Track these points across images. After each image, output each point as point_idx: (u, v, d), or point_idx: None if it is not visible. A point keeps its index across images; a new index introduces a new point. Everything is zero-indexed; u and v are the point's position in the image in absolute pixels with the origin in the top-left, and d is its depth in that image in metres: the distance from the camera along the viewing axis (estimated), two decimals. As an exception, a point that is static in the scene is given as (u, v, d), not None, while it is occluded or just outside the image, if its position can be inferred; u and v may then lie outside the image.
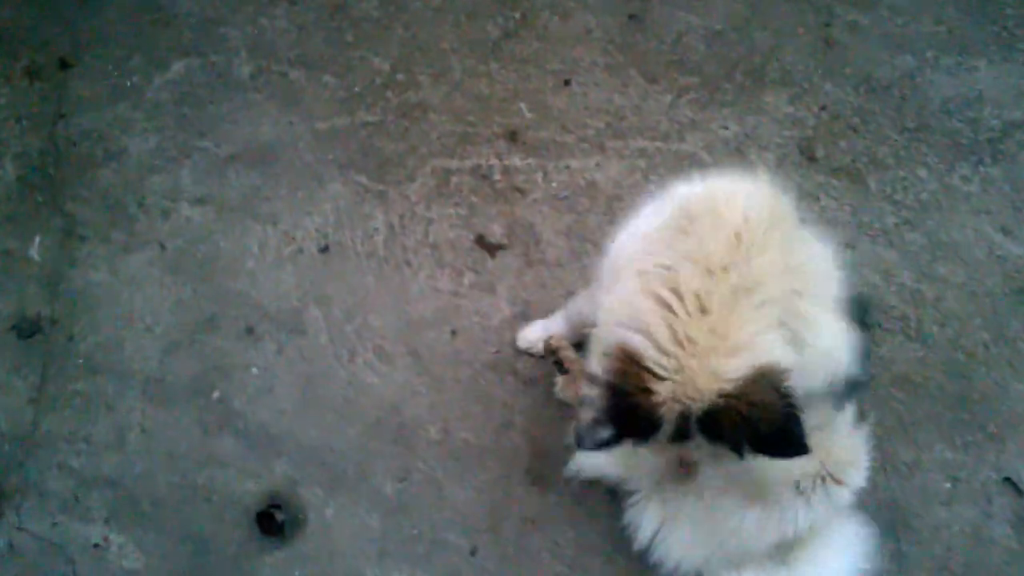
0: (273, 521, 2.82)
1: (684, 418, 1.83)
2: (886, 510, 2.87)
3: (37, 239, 3.30)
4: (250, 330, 3.11)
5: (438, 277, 3.19)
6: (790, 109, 3.40)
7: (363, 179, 3.37)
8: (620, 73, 3.49)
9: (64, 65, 3.61)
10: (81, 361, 3.09)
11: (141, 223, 3.31)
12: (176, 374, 3.06)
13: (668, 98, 3.43)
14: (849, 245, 3.15)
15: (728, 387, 1.80)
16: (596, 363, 1.94)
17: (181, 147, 3.44)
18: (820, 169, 3.29)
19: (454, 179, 3.33)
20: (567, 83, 3.46)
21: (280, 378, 3.05)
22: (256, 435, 2.97)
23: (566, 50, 3.54)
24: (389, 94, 3.51)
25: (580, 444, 1.90)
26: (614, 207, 3.25)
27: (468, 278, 3.18)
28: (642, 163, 3.32)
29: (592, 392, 1.89)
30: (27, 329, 3.15)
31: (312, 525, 2.86)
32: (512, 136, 3.38)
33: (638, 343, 1.86)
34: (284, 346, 3.10)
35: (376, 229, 3.28)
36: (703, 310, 1.84)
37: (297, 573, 2.80)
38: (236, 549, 2.82)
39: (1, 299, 3.19)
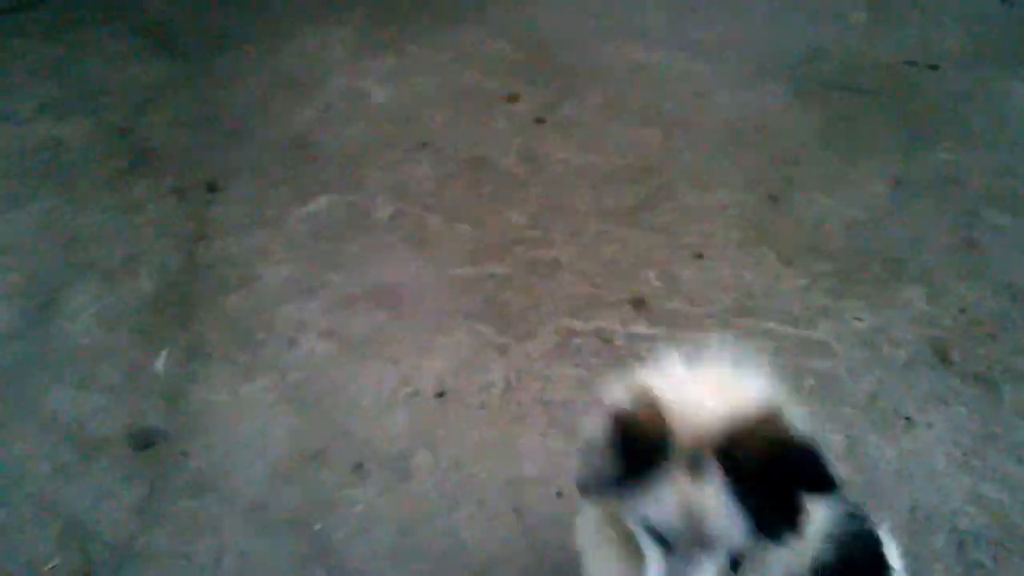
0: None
1: (697, 445, 1.75)
2: None
3: (164, 354, 3.51)
4: (358, 466, 3.22)
5: (549, 436, 3.28)
6: (926, 307, 3.46)
7: (486, 330, 3.52)
8: (753, 251, 3.61)
9: (211, 189, 3.90)
10: (190, 478, 3.22)
11: (266, 350, 3.50)
12: (280, 502, 3.17)
13: (802, 282, 3.53)
14: (976, 455, 3.17)
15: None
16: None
17: (313, 280, 3.66)
18: (953, 373, 3.31)
19: (576, 340, 3.46)
20: (699, 256, 3.60)
21: (381, 519, 3.13)
22: (350, 575, 3.06)
23: (700, 223, 3.69)
24: (520, 249, 3.69)
25: (585, 489, 1.85)
26: (736, 386, 3.32)
27: (580, 440, 3.26)
28: (770, 344, 3.40)
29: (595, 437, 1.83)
30: (142, 441, 3.32)
31: (394, 674, 2.89)
32: (639, 303, 3.51)
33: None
34: (389, 487, 3.19)
35: (493, 381, 3.41)
36: None
37: None
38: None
39: (121, 408, 3.38)
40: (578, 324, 3.49)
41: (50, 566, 3.00)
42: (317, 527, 3.13)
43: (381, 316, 3.57)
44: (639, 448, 1.76)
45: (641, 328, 3.47)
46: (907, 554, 3.06)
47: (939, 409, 3.23)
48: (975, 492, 3.06)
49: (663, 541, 1.84)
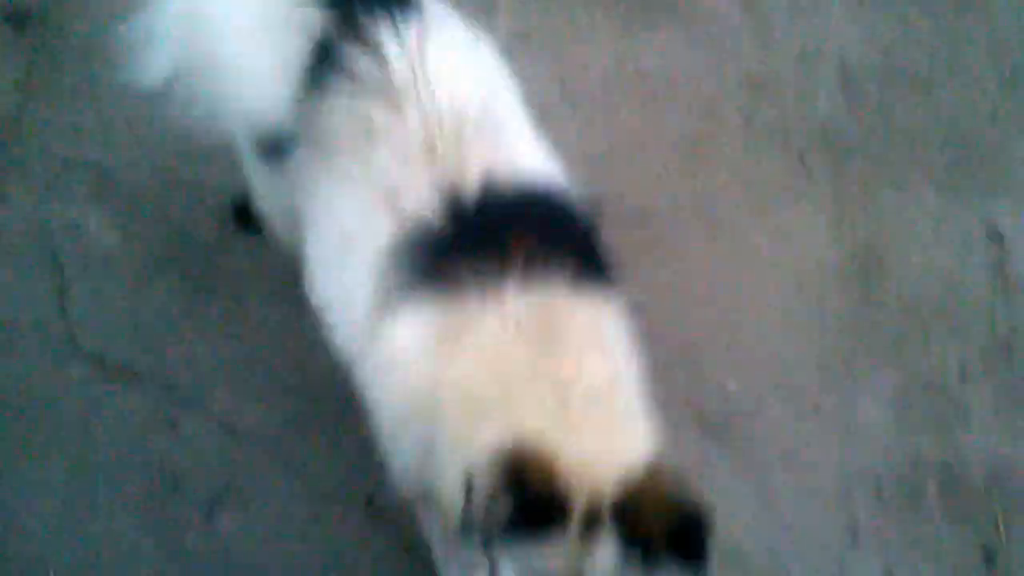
0: (250, 214, 3.10)
1: (594, 500, 1.79)
2: (861, 252, 3.12)
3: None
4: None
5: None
6: None
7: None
8: None
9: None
10: (72, 51, 3.28)
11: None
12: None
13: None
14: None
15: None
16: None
17: None
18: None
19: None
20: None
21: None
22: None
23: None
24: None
25: (468, 532, 1.83)
26: None
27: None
28: None
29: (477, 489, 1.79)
30: (16, 18, 3.36)
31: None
32: None
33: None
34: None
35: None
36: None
37: (269, 259, 2.98)
38: (211, 237, 3.08)
39: (-9, -11, 3.38)
40: None
41: None
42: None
43: None
44: (536, 503, 1.75)
45: None
46: (789, 85, 3.30)
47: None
48: (869, 31, 3.25)
49: None
